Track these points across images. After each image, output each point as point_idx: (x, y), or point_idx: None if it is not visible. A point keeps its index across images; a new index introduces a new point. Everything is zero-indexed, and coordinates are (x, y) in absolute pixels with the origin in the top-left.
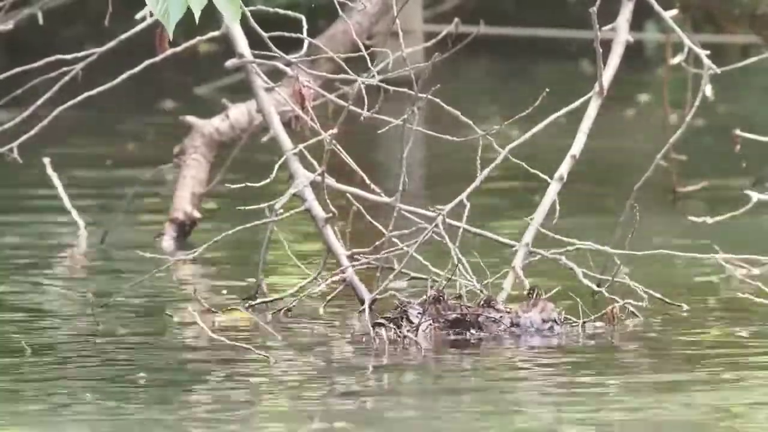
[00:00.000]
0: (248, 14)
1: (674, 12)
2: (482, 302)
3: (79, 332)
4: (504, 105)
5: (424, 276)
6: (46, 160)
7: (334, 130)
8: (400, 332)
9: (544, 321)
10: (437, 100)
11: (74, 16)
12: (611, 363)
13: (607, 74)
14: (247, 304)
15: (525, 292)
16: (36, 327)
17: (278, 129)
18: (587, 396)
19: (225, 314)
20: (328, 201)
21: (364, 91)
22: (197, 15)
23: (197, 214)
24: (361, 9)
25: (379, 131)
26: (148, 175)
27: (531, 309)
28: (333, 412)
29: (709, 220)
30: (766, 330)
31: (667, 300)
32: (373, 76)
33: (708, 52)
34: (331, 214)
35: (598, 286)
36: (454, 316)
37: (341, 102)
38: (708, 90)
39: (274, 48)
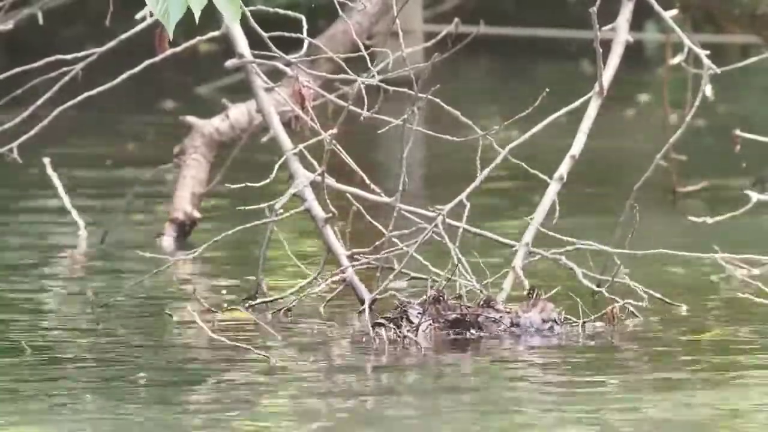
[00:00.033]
0: (248, 14)
1: (674, 12)
2: (482, 302)
3: (79, 332)
4: (504, 105)
5: (424, 276)
6: (47, 161)
7: (334, 130)
8: (400, 332)
9: (544, 321)
10: (437, 100)
11: (74, 16)
12: (611, 363)
13: (607, 74)
14: (247, 304)
15: (525, 293)
16: (36, 327)
17: (278, 129)
18: (587, 395)
19: (225, 314)
20: (328, 201)
21: (364, 91)
22: (197, 15)
23: (197, 214)
24: (361, 9)
25: (379, 131)
26: (148, 175)
27: (531, 309)
28: (333, 411)
29: (709, 220)
30: (766, 330)
31: (667, 300)
32: (373, 76)
33: (708, 52)
34: (330, 214)
35: (598, 286)
36: (454, 316)
37: (341, 102)
38: (708, 90)
39: (274, 48)
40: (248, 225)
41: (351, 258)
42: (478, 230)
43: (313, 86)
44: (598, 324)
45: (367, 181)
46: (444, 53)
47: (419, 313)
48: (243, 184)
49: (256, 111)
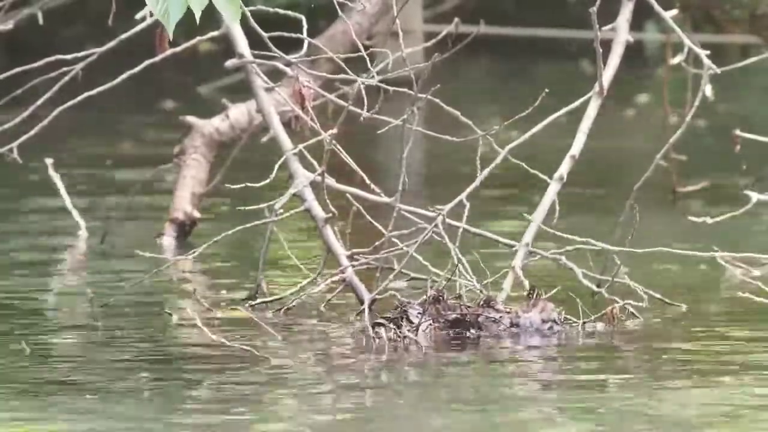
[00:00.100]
0: (248, 14)
1: (674, 12)
2: (482, 302)
3: (79, 332)
4: (504, 105)
5: (424, 276)
6: (49, 161)
7: (334, 130)
8: (400, 332)
9: (543, 321)
10: (437, 100)
11: (74, 16)
12: (611, 362)
13: (607, 74)
14: (247, 304)
15: (525, 293)
16: (36, 326)
17: (278, 129)
18: (587, 395)
19: (225, 314)
20: (327, 201)
21: (363, 92)
22: (198, 15)
23: (197, 214)
24: (361, 9)
25: (378, 131)
26: (148, 175)
27: (531, 309)
28: (333, 410)
29: (709, 220)
30: (765, 330)
31: (666, 300)
32: (373, 76)
33: (708, 52)
34: (330, 214)
35: (598, 286)
36: (453, 316)
37: (341, 102)
38: (708, 90)
39: (274, 48)
40: (248, 225)
41: (351, 258)
42: (478, 230)
43: (313, 86)
44: (598, 324)
45: (367, 181)
46: (444, 53)
47: (419, 313)
48: (243, 185)
49: (256, 111)
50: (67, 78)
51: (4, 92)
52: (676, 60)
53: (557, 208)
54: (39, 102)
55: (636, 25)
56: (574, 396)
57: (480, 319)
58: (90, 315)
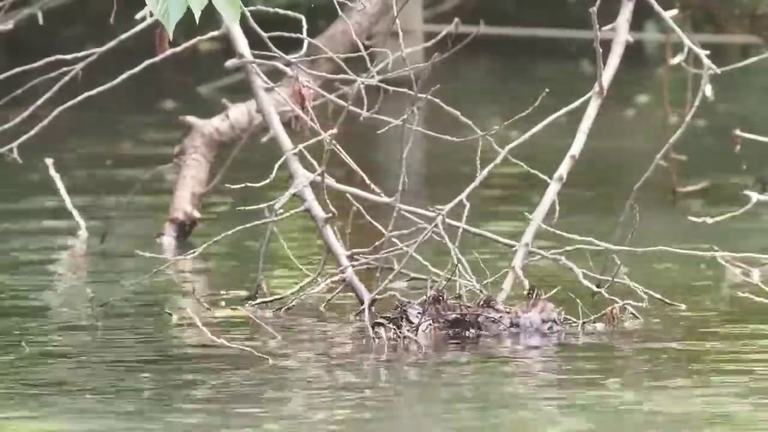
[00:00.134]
0: (248, 14)
1: (674, 12)
2: (482, 302)
3: (79, 332)
4: (504, 105)
5: (423, 276)
6: (49, 161)
7: (334, 130)
8: (399, 332)
9: (543, 321)
10: (437, 100)
11: (74, 16)
12: (611, 362)
13: (607, 74)
14: (247, 304)
15: (525, 293)
16: (36, 326)
17: (278, 129)
18: (586, 394)
19: (225, 313)
20: (327, 201)
21: (363, 92)
22: (197, 15)
23: (197, 214)
24: (361, 9)
25: (378, 131)
26: (148, 175)
27: (530, 309)
28: (333, 410)
29: (709, 220)
30: (765, 329)
31: (666, 300)
32: (373, 76)
33: (708, 52)
34: (330, 214)
35: (598, 286)
36: (453, 316)
37: (341, 102)
38: (708, 90)
39: (273, 48)
40: (248, 225)
41: (351, 258)
42: (477, 230)
43: (313, 86)
44: (598, 324)
45: (367, 181)
46: (444, 53)
47: (419, 313)
48: (243, 185)
49: (256, 111)
50: (67, 78)
51: (4, 92)
52: (676, 60)
53: (557, 208)
54: (39, 102)
55: (636, 25)
56: (574, 396)
57: (480, 319)
58: (90, 315)
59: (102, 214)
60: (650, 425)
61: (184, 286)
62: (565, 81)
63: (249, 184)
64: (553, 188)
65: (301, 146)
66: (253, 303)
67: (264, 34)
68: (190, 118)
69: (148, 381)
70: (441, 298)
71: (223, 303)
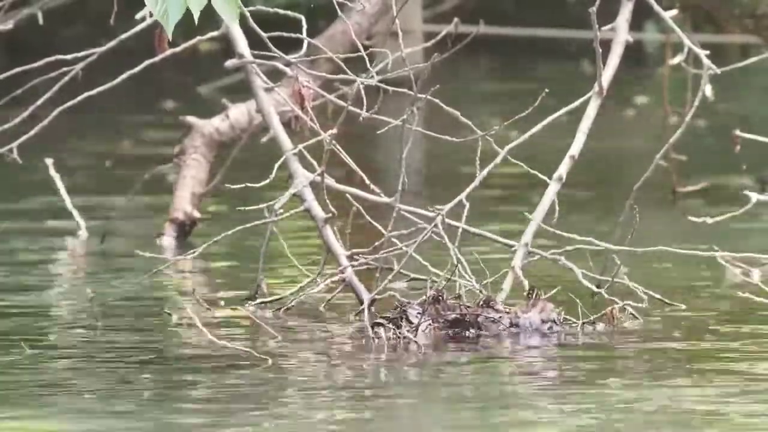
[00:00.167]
0: (247, 14)
1: (674, 12)
2: (481, 302)
3: (79, 332)
4: (504, 105)
5: (423, 277)
6: (49, 161)
7: (334, 131)
8: (399, 332)
9: (543, 321)
10: (436, 100)
11: (74, 16)
12: (610, 362)
13: (607, 74)
14: (247, 304)
15: (525, 293)
16: (36, 327)
17: (278, 129)
18: (586, 393)
19: (225, 313)
20: (327, 201)
21: (363, 92)
22: (196, 16)
23: (197, 214)
24: (360, 9)
25: (378, 131)
26: (148, 176)
27: (530, 309)
28: (333, 410)
29: (709, 220)
30: (765, 329)
31: (666, 300)
32: (373, 76)
33: (708, 52)
34: (330, 215)
35: (598, 286)
36: (453, 316)
37: (341, 102)
38: (708, 90)
39: (273, 48)
40: (248, 225)
41: (350, 258)
42: (477, 230)
43: (313, 86)
44: (598, 325)
45: (367, 181)
46: (444, 53)
47: (419, 313)
48: (243, 185)
49: (256, 111)
50: (67, 78)
51: (4, 92)
52: (676, 60)
53: (557, 208)
54: (39, 102)
55: (636, 25)
56: (574, 396)
57: (479, 319)
58: (90, 315)
59: (102, 214)
60: (650, 425)
61: (184, 286)
62: (565, 81)
63: (249, 184)
64: (552, 188)
65: (300, 146)
66: (253, 303)
67: (264, 34)
68: (190, 118)
69: (148, 381)
70: (441, 298)
71: (223, 303)
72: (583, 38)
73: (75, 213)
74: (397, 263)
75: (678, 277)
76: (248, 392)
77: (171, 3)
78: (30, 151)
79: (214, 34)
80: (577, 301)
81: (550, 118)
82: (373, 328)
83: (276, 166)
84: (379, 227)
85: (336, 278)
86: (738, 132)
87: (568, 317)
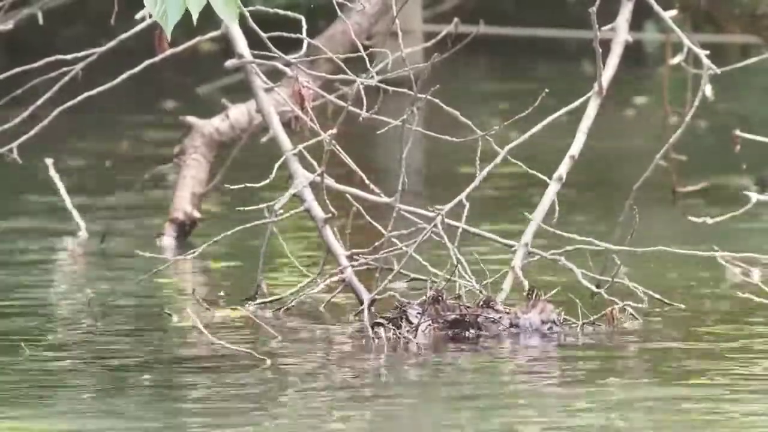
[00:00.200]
0: (247, 14)
1: (674, 12)
2: (481, 303)
3: (79, 332)
4: (504, 105)
5: (423, 277)
6: (49, 161)
7: (334, 131)
8: (399, 332)
9: (543, 322)
10: (436, 100)
11: (74, 16)
12: (610, 362)
13: (607, 74)
14: (247, 304)
15: (524, 293)
16: (35, 327)
17: (278, 129)
18: (586, 393)
19: (225, 314)
20: (327, 201)
21: (363, 92)
22: (195, 17)
23: (197, 214)
24: (360, 9)
25: (378, 131)
26: (148, 176)
27: (530, 310)
28: (332, 410)
29: (709, 220)
30: (765, 329)
31: (666, 300)
32: (372, 76)
33: (707, 52)
34: (330, 215)
35: (598, 286)
36: (453, 316)
37: (341, 102)
38: (708, 90)
39: (273, 48)
40: (248, 225)
41: (350, 258)
42: (477, 230)
43: (313, 86)
44: (598, 325)
45: (367, 182)
46: (444, 53)
47: (419, 313)
48: (243, 185)
49: (256, 111)
50: (67, 78)
51: (4, 92)
52: (676, 60)
53: (557, 208)
54: (39, 102)
55: (635, 25)
56: (574, 396)
57: (479, 320)
58: (89, 315)
59: (102, 215)
60: (650, 425)
61: (183, 287)
62: (565, 81)
63: (249, 184)
64: (552, 188)
65: (300, 146)
66: (253, 303)
67: (263, 35)
68: (190, 118)
69: (148, 381)
70: (440, 298)
71: (223, 303)
72: (583, 38)
73: (75, 213)
74: (397, 263)
75: (678, 277)
76: (248, 392)
77: (170, 4)
78: (30, 151)
79: (214, 34)
80: (577, 301)
81: (550, 118)
82: (373, 328)
83: (276, 166)
84: (379, 227)
85: (336, 278)
86: (738, 132)
87: (567, 318)
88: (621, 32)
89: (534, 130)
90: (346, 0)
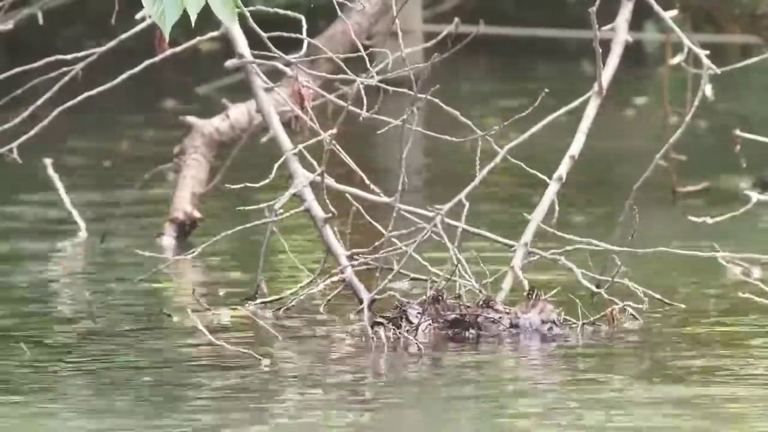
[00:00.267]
0: (247, 14)
1: (674, 12)
2: (481, 302)
3: (80, 332)
4: (503, 105)
5: (423, 277)
6: (48, 161)
7: (334, 131)
8: (399, 332)
9: (543, 322)
10: (436, 100)
11: (74, 16)
12: (610, 363)
13: (607, 74)
14: (247, 304)
15: (524, 293)
16: (35, 327)
17: (278, 129)
18: (586, 395)
19: (224, 313)
20: (327, 201)
21: (363, 92)
22: (193, 18)
23: (197, 214)
24: (361, 9)
25: (378, 131)
26: (148, 176)
27: (530, 310)
28: (332, 411)
29: (709, 220)
30: (766, 329)
31: (666, 300)
32: (372, 76)
33: (708, 52)
34: (330, 214)
35: (598, 286)
36: (453, 316)
37: (341, 102)
38: (708, 90)
39: (273, 48)
40: (248, 225)
41: (350, 258)
42: (477, 230)
43: (313, 86)
44: (598, 325)
45: (367, 181)
46: (444, 53)
47: (419, 313)
48: (243, 185)
49: (256, 111)
50: (67, 78)
51: (4, 92)
52: (676, 60)
53: (557, 208)
54: (39, 102)
55: (635, 25)
56: (574, 396)
57: (479, 320)
58: (89, 315)
59: (102, 214)
60: (650, 425)
61: (183, 287)
62: (565, 81)
63: (249, 184)
64: (552, 188)
65: (300, 146)
66: (253, 303)
67: (264, 34)
68: (190, 118)
69: (148, 381)
70: (440, 298)
71: (222, 303)
72: (583, 38)
73: (75, 213)
74: (397, 263)
75: (678, 277)
76: (248, 392)
77: (168, 4)
78: (30, 150)
79: (214, 34)
80: (577, 301)
81: (549, 118)
82: (372, 327)
83: (276, 166)
84: (379, 227)
85: (336, 278)
86: (738, 132)
87: (567, 318)
88: (621, 32)
89: (533, 129)
90: (346, 0)
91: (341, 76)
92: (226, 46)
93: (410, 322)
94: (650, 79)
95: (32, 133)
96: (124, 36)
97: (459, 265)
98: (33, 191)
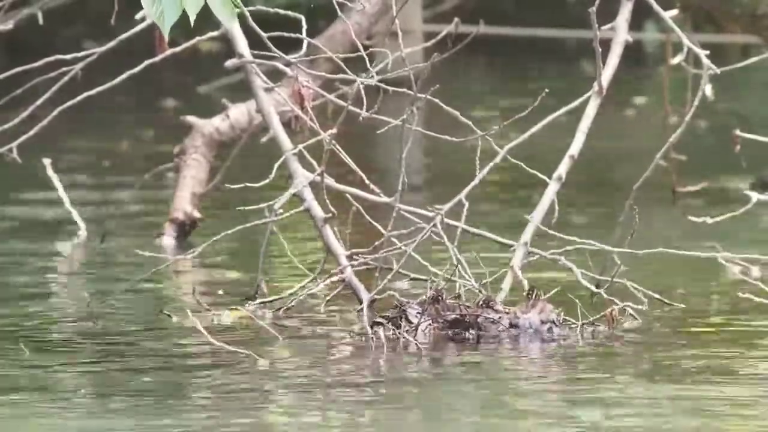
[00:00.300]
0: (247, 14)
1: (674, 12)
2: (481, 302)
3: (79, 332)
4: (503, 105)
5: (423, 276)
6: (47, 161)
7: (334, 130)
8: (399, 332)
9: (542, 322)
10: (436, 100)
11: (74, 16)
12: (610, 363)
13: (606, 74)
14: (247, 304)
15: (524, 293)
16: (35, 328)
17: (278, 129)
18: (586, 395)
19: (224, 314)
20: (327, 201)
21: (363, 92)
22: (192, 18)
23: (197, 214)
24: (360, 9)
25: (378, 131)
26: (148, 176)
27: (530, 310)
28: (332, 411)
29: (709, 220)
30: (766, 329)
31: (666, 300)
32: (372, 76)
33: (708, 52)
34: (330, 214)
35: (597, 286)
36: (453, 316)
37: (341, 102)
38: (708, 90)
39: (273, 48)
40: (248, 225)
41: (350, 258)
42: (476, 230)
43: (313, 86)
44: (597, 325)
45: (367, 181)
46: (444, 53)
47: (418, 313)
48: (243, 185)
49: (256, 111)
50: (67, 78)
51: (4, 92)
52: (676, 60)
53: (556, 207)
54: (39, 102)
55: (635, 24)
56: (574, 396)
57: (479, 320)
58: (89, 315)
59: (102, 214)
60: (650, 425)
61: (183, 287)
62: (565, 81)
63: (249, 184)
64: (552, 188)
65: (300, 146)
66: (253, 303)
67: (264, 34)
68: (191, 118)
69: (148, 382)
70: (440, 298)
71: (222, 303)
72: (583, 38)
73: (74, 213)
74: (397, 263)
75: (678, 277)
76: (248, 392)
77: (167, 4)
78: (30, 150)
79: (214, 34)
80: (577, 301)
81: (549, 118)
82: (372, 327)
83: (276, 166)
84: (379, 227)
85: (336, 278)
86: (738, 132)
87: (567, 318)
88: (621, 32)
89: (533, 129)
90: (346, 0)
91: (341, 76)
92: (226, 46)
93: (410, 322)
94: (650, 79)
95: (32, 132)
96: (124, 36)
97: (459, 264)
98: (33, 191)
